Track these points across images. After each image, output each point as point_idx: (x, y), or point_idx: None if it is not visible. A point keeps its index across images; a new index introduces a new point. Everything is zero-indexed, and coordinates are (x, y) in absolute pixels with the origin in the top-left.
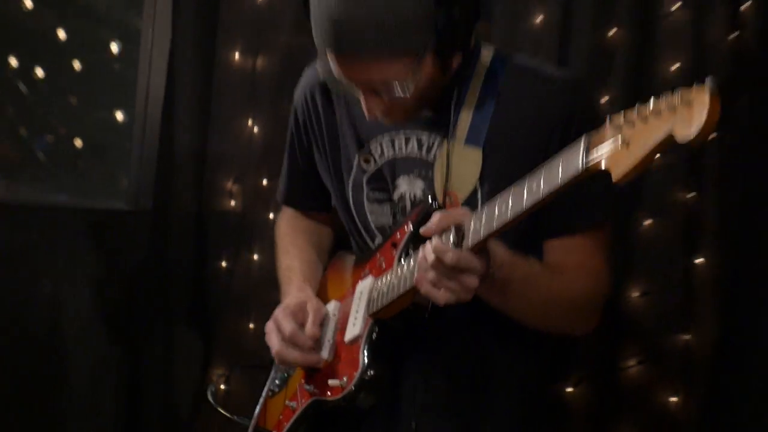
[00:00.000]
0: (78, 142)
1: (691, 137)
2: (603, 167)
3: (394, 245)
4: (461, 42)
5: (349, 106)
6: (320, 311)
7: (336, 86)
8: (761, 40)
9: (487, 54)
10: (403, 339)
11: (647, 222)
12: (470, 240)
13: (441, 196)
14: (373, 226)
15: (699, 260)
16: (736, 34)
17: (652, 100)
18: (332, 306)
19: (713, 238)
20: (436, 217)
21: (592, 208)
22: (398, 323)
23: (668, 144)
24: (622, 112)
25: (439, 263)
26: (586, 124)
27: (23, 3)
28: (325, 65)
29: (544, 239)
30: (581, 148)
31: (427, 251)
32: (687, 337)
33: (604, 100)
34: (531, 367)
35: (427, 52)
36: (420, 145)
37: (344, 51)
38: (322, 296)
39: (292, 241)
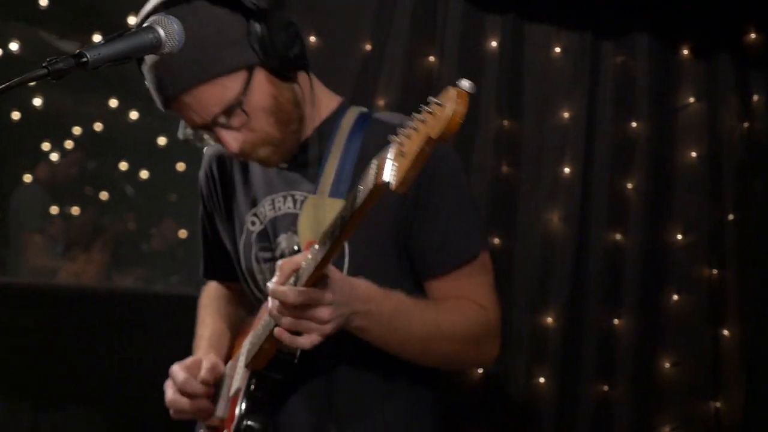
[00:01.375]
0: (182, 234)
1: (441, 132)
2: (385, 180)
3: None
4: (288, 57)
5: (243, 173)
6: (216, 367)
7: (202, 143)
8: None
9: (353, 112)
10: (283, 387)
11: (675, 297)
12: (304, 276)
13: (306, 247)
14: (262, 285)
15: (725, 332)
16: (747, 123)
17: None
18: (229, 365)
19: (737, 311)
20: (278, 268)
21: (461, 244)
22: (274, 372)
23: (430, 143)
24: (402, 130)
25: (283, 307)
26: (440, 164)
27: (128, 115)
28: (184, 128)
29: (423, 281)
30: (373, 169)
31: (270, 298)
32: (717, 404)
33: (630, 186)
34: (415, 396)
35: (255, 70)
36: (294, 202)
37: (171, 95)
38: (229, 359)
39: (207, 312)
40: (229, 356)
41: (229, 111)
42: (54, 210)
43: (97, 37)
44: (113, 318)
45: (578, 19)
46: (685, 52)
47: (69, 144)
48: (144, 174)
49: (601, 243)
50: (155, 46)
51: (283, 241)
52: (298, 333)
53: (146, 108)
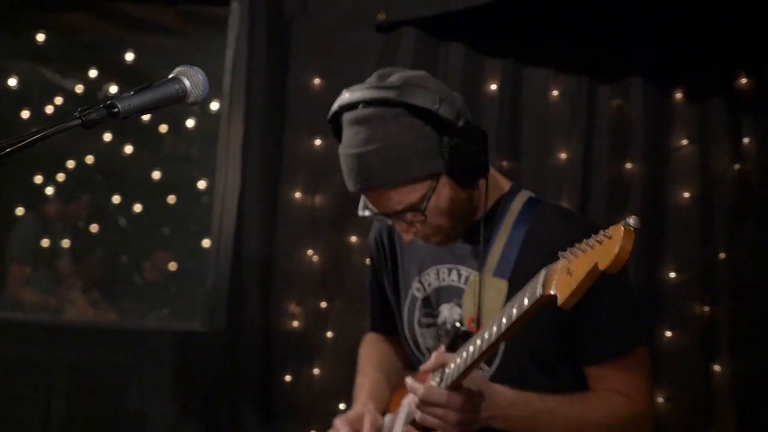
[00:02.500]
0: (172, 267)
1: (608, 265)
2: (553, 293)
3: (423, 358)
4: (472, 166)
5: (412, 241)
6: (376, 422)
7: (375, 218)
8: (761, 169)
9: (522, 197)
10: None
11: (668, 333)
12: (447, 379)
13: (468, 323)
14: (422, 347)
15: (717, 368)
16: (738, 165)
17: (592, 237)
18: (388, 418)
19: (729, 348)
20: (432, 358)
21: (618, 336)
22: None
23: (596, 272)
24: (571, 248)
25: (419, 402)
26: None
27: (123, 149)
28: (364, 209)
29: (582, 366)
30: (540, 280)
31: (412, 391)
32: None
33: None
34: None
35: (441, 177)
36: (459, 276)
37: (362, 187)
38: (388, 410)
39: (368, 361)
40: (386, 408)
41: (407, 211)
42: (45, 243)
43: (93, 73)
44: (102, 355)
45: (575, 63)
46: (679, 95)
47: (61, 177)
48: (137, 207)
49: None
50: (181, 96)
51: (445, 310)
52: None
53: (140, 142)
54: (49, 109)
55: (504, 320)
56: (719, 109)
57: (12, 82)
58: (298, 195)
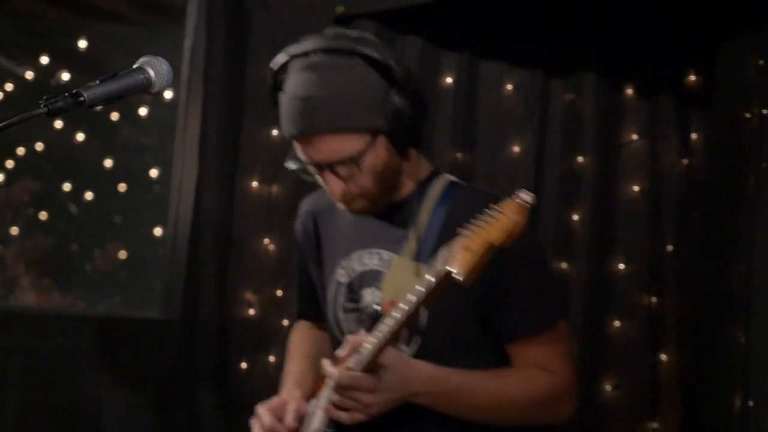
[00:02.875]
0: (122, 255)
1: (502, 240)
2: (453, 271)
3: None
4: (411, 133)
5: (336, 227)
6: (300, 409)
7: (306, 176)
8: (708, 164)
9: (442, 181)
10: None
11: (617, 323)
12: (362, 361)
13: (387, 306)
14: (346, 332)
15: (663, 357)
16: (687, 160)
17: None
18: (312, 404)
19: (675, 338)
20: (348, 341)
21: (537, 312)
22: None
23: (492, 248)
24: (469, 225)
25: (334, 385)
26: (517, 245)
27: (75, 136)
28: (296, 158)
29: (504, 344)
30: (441, 259)
31: (327, 375)
32: (654, 425)
33: (576, 218)
34: None
35: (379, 135)
36: (381, 260)
37: (304, 130)
38: (314, 397)
39: (297, 349)
40: (313, 394)
41: (344, 162)
42: None
43: (45, 60)
44: (57, 341)
45: (530, 58)
46: (630, 91)
47: (10, 164)
48: (88, 195)
49: None
50: (146, 86)
51: (367, 294)
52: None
53: (92, 130)
54: None
55: (413, 299)
56: (668, 105)
57: None
58: (255, 184)
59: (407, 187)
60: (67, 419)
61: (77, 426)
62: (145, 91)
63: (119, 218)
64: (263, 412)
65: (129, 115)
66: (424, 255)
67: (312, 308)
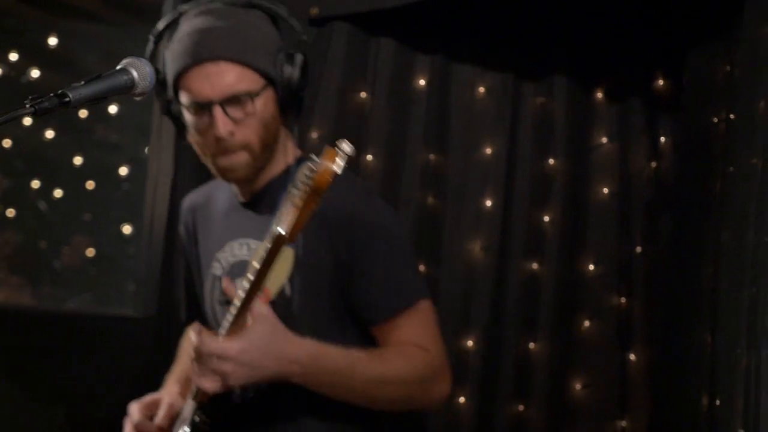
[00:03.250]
0: (90, 252)
1: (315, 185)
2: (280, 230)
3: None
4: (295, 98)
5: (209, 221)
6: (173, 406)
7: (174, 119)
8: (677, 167)
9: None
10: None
11: (586, 323)
12: (224, 327)
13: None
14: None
15: (632, 356)
16: (655, 163)
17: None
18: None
19: (644, 337)
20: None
21: (398, 290)
22: (216, 405)
23: (311, 197)
24: (296, 183)
25: (193, 354)
26: (371, 223)
27: (44, 133)
28: (170, 102)
29: (369, 329)
30: (276, 220)
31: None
32: (623, 423)
33: (547, 219)
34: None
35: (269, 87)
36: (249, 249)
37: (204, 56)
38: None
39: (184, 351)
40: None
41: (238, 99)
42: None
43: (14, 56)
44: (30, 338)
45: (502, 61)
46: (600, 95)
47: None
48: (57, 192)
49: (519, 272)
50: (129, 86)
51: (239, 285)
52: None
53: (61, 127)
54: None
55: (256, 264)
56: (637, 109)
57: None
58: None
59: (275, 169)
60: (41, 416)
61: (51, 423)
62: (128, 92)
63: (88, 216)
64: (134, 409)
65: (99, 112)
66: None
67: (193, 308)
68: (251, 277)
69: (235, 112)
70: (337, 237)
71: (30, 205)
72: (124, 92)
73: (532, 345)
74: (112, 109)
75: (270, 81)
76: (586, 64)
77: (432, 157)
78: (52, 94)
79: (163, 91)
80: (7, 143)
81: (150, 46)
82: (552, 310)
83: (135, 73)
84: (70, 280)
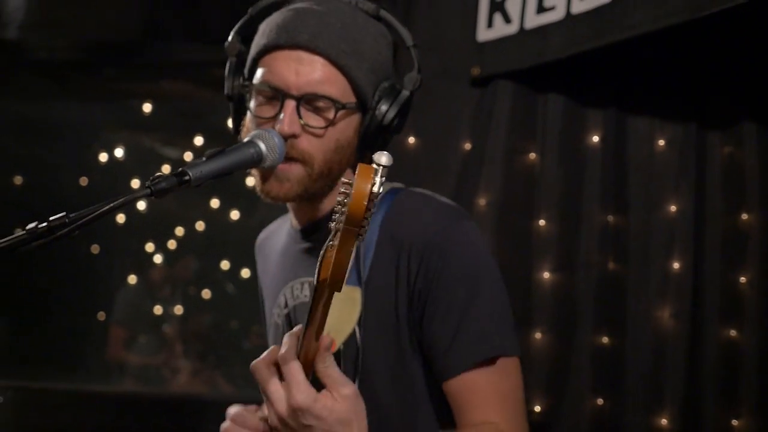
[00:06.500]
0: None
1: (347, 214)
2: (322, 279)
3: None
4: (381, 139)
5: (271, 261)
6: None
7: (236, 100)
8: None
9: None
10: None
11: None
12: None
13: (324, 341)
14: None
15: None
16: None
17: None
18: None
19: None
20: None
21: (472, 344)
22: None
23: (347, 232)
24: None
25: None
26: (451, 258)
27: (230, 214)
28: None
29: (441, 384)
30: (318, 265)
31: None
32: None
33: (743, 280)
34: None
35: (358, 112)
36: (311, 289)
37: (300, 42)
38: None
39: None
40: None
41: (318, 103)
42: (158, 310)
43: (199, 140)
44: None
45: (682, 110)
46: None
47: (172, 244)
48: (245, 273)
49: (715, 340)
50: (256, 160)
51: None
52: None
53: (246, 208)
54: None
55: (306, 318)
56: None
57: (119, 152)
58: None
59: (332, 204)
60: None
61: None
62: (256, 165)
63: None
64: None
65: None
66: (358, 279)
67: None
68: (300, 335)
69: (309, 116)
70: (412, 266)
71: (220, 286)
72: (251, 166)
73: (734, 422)
74: None
75: (362, 104)
76: None
77: (610, 218)
78: (171, 173)
79: (238, 70)
80: (200, 226)
81: (245, 17)
82: (756, 382)
83: (263, 146)
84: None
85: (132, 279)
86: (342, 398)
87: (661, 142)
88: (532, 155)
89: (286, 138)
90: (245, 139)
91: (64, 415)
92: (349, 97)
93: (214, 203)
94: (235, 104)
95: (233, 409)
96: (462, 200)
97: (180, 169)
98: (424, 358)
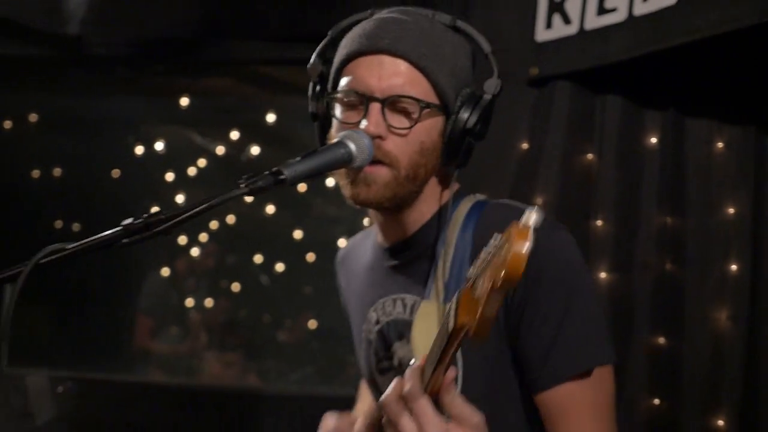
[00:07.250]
0: (312, 325)
1: (502, 280)
2: (463, 324)
3: None
4: (464, 145)
5: (357, 277)
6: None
7: (321, 116)
8: None
9: (467, 201)
10: None
11: None
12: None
13: (421, 359)
14: None
15: None
16: None
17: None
18: None
19: None
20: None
21: (569, 355)
22: None
23: (495, 290)
24: (476, 261)
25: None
26: (549, 267)
27: (265, 209)
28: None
29: (533, 397)
30: (452, 310)
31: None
32: None
33: None
34: None
35: (441, 115)
36: (404, 306)
37: (382, 47)
38: None
39: (363, 392)
40: None
41: (402, 104)
42: (189, 302)
43: (235, 135)
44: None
45: (740, 111)
46: None
47: (204, 237)
48: (279, 267)
49: None
50: (347, 160)
51: (398, 349)
52: None
53: (281, 202)
54: (192, 171)
55: (429, 363)
56: None
57: (159, 146)
58: None
59: (425, 211)
60: None
61: None
62: (346, 165)
63: (309, 289)
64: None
65: (316, 187)
66: (453, 294)
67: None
68: (426, 370)
69: (393, 117)
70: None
71: (253, 280)
72: (342, 166)
73: None
74: (330, 182)
75: (444, 107)
76: None
77: (668, 219)
78: (267, 172)
79: (321, 89)
80: (230, 219)
81: (326, 39)
82: None
83: (353, 146)
84: (293, 354)
85: (165, 272)
86: (472, 428)
87: (720, 144)
88: (590, 156)
89: (373, 138)
90: (335, 140)
91: (122, 406)
92: (431, 97)
93: (248, 197)
94: (320, 122)
95: (331, 421)
96: (519, 200)
97: (275, 168)
98: (518, 368)
